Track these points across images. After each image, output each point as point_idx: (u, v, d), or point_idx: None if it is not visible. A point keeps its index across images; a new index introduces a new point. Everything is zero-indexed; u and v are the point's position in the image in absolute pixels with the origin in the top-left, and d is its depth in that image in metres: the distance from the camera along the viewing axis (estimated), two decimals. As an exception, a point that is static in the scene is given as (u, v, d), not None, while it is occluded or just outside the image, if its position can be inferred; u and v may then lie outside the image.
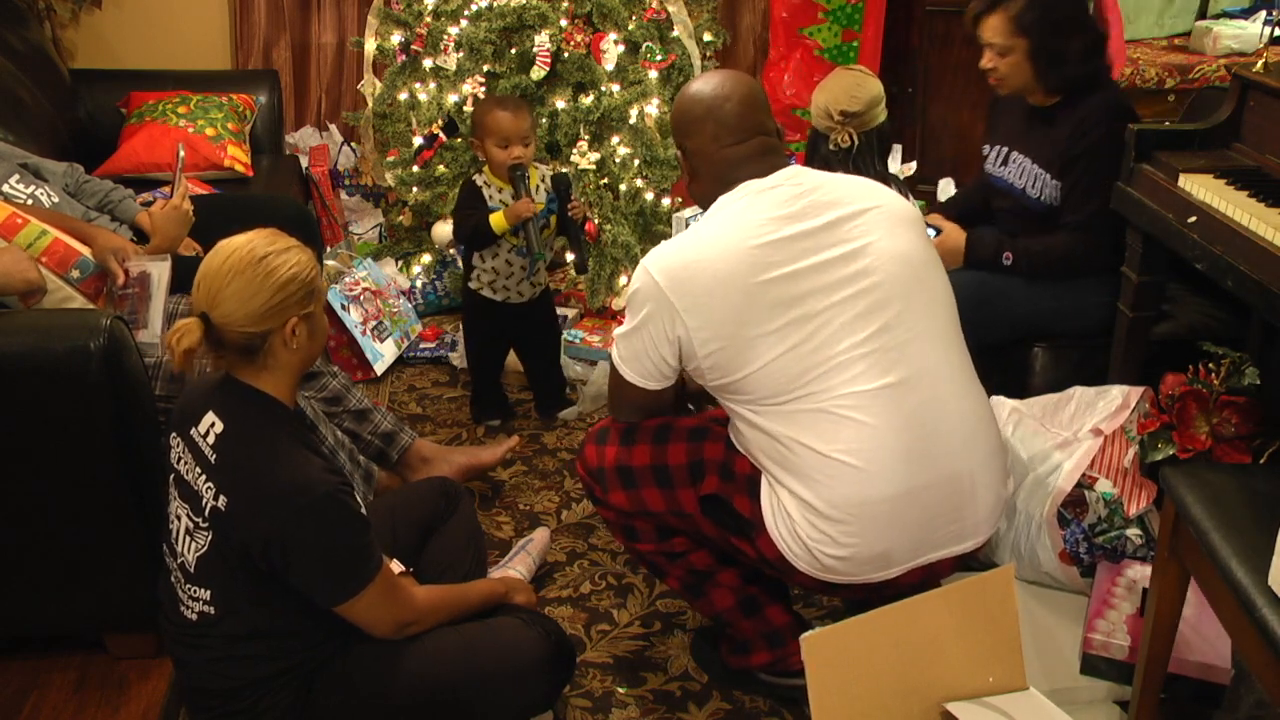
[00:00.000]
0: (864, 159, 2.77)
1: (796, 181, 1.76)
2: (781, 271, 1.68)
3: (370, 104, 3.67)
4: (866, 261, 1.70)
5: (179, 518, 1.65)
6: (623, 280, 3.38)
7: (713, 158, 1.81)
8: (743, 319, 1.67)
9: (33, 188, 2.47)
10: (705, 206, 1.83)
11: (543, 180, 2.81)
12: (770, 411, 1.70)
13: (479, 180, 2.78)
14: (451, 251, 3.56)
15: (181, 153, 2.56)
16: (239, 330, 1.58)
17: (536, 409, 3.06)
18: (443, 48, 3.40)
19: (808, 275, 1.68)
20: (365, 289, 3.31)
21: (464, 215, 2.78)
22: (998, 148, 2.66)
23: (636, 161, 3.39)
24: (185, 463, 1.64)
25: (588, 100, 3.35)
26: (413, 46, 3.50)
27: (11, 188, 2.43)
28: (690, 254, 1.71)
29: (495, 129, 2.68)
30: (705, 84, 1.84)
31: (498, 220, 2.70)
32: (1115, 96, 2.48)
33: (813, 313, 1.68)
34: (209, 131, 3.47)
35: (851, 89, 2.71)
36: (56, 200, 2.49)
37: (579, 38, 3.35)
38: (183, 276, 2.18)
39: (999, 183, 2.65)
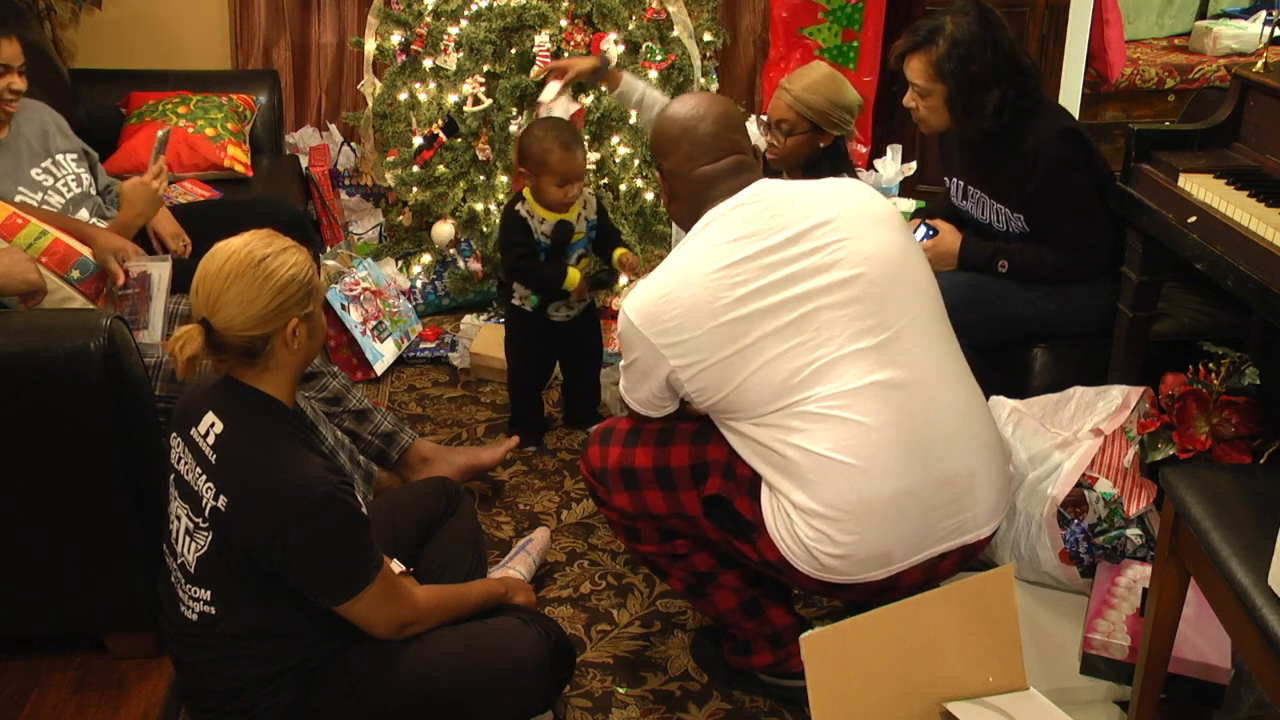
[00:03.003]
0: None
1: (759, 197, 1.77)
2: (749, 289, 1.69)
3: (370, 104, 3.67)
4: (839, 265, 1.71)
5: (179, 518, 1.66)
6: (623, 280, 3.38)
7: (688, 177, 1.83)
8: (718, 341, 1.69)
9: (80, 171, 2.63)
10: (685, 227, 1.85)
11: (585, 206, 2.73)
12: (762, 422, 1.71)
13: (522, 210, 2.67)
14: (452, 251, 3.56)
15: (160, 134, 2.57)
16: (240, 334, 1.58)
17: (566, 421, 3.00)
18: (443, 48, 3.40)
19: (778, 288, 1.69)
20: (365, 289, 3.31)
21: (531, 264, 2.68)
22: (955, 181, 2.65)
23: (636, 161, 3.39)
24: (185, 463, 1.64)
25: (588, 100, 3.35)
26: (413, 46, 3.50)
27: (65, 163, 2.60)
28: (661, 290, 1.73)
29: (556, 169, 2.57)
30: (682, 105, 1.88)
31: (571, 283, 2.68)
32: (1052, 125, 2.42)
33: (788, 323, 1.68)
34: (209, 131, 3.47)
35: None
36: (87, 188, 2.61)
37: (579, 38, 3.35)
38: (183, 277, 2.19)
39: (965, 215, 2.65)
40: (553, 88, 2.76)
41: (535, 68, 2.80)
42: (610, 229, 2.83)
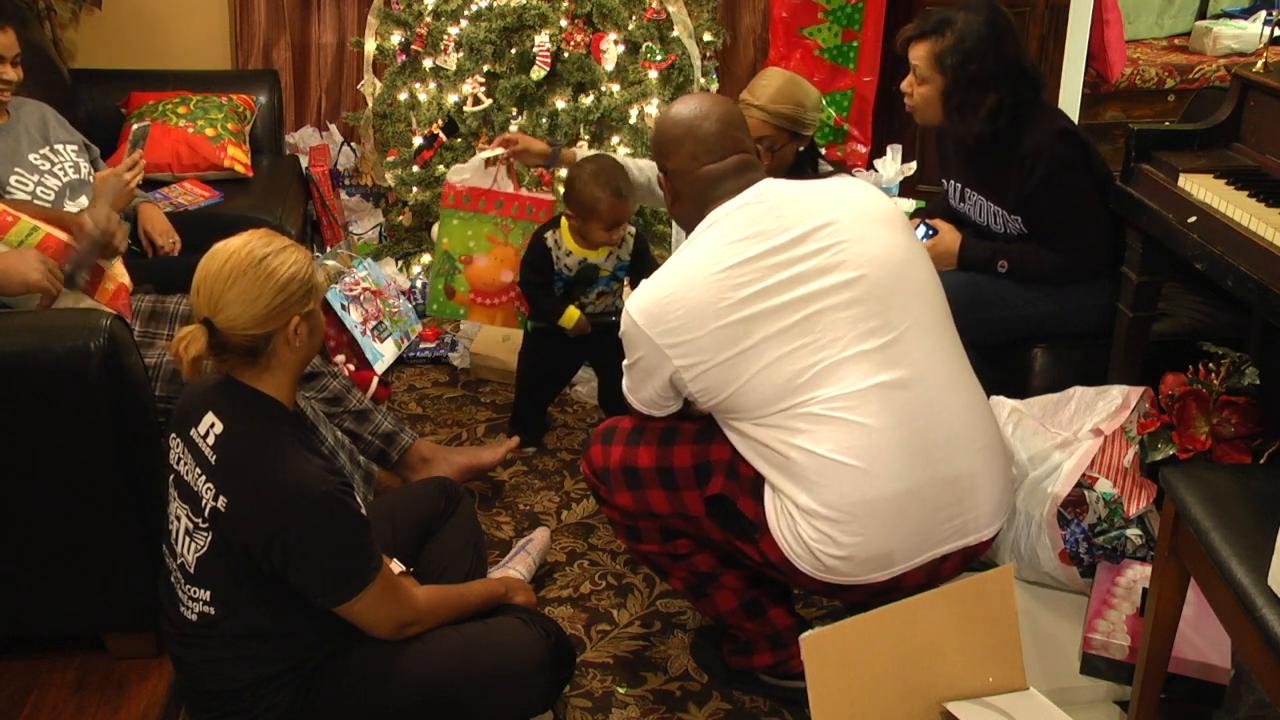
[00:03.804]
0: None
1: (763, 197, 1.77)
2: (753, 289, 1.69)
3: (370, 104, 3.67)
4: (843, 267, 1.70)
5: (179, 518, 1.66)
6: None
7: (692, 176, 1.83)
8: (721, 342, 1.69)
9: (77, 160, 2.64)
10: (689, 228, 1.84)
11: (620, 245, 2.68)
12: (765, 422, 1.71)
13: (550, 239, 2.65)
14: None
15: (136, 128, 2.58)
16: (243, 333, 1.58)
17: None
18: (443, 48, 3.41)
19: (782, 289, 1.69)
20: (365, 289, 3.31)
21: (535, 292, 2.69)
22: (953, 183, 2.65)
23: (637, 161, 3.39)
24: (185, 463, 1.64)
25: (588, 100, 3.36)
26: (413, 46, 3.50)
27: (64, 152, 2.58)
28: (664, 290, 1.73)
29: (605, 217, 2.54)
30: (684, 105, 1.88)
31: (568, 320, 2.66)
32: (1049, 126, 2.42)
33: (792, 324, 1.68)
34: (209, 131, 3.47)
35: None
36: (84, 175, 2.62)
37: (579, 38, 3.35)
38: (181, 276, 2.19)
39: (964, 216, 2.65)
40: (494, 153, 2.73)
41: (489, 152, 2.77)
42: (648, 263, 2.72)
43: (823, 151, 2.91)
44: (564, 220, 2.65)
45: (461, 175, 2.76)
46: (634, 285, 2.75)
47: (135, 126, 2.59)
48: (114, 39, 4.03)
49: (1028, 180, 2.40)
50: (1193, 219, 2.11)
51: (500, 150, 2.73)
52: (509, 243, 2.82)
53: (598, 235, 2.59)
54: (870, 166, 4.05)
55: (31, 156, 2.57)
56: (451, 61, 3.40)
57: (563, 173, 2.74)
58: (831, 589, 1.77)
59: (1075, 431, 2.22)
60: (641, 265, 2.73)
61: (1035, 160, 2.39)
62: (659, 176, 1.94)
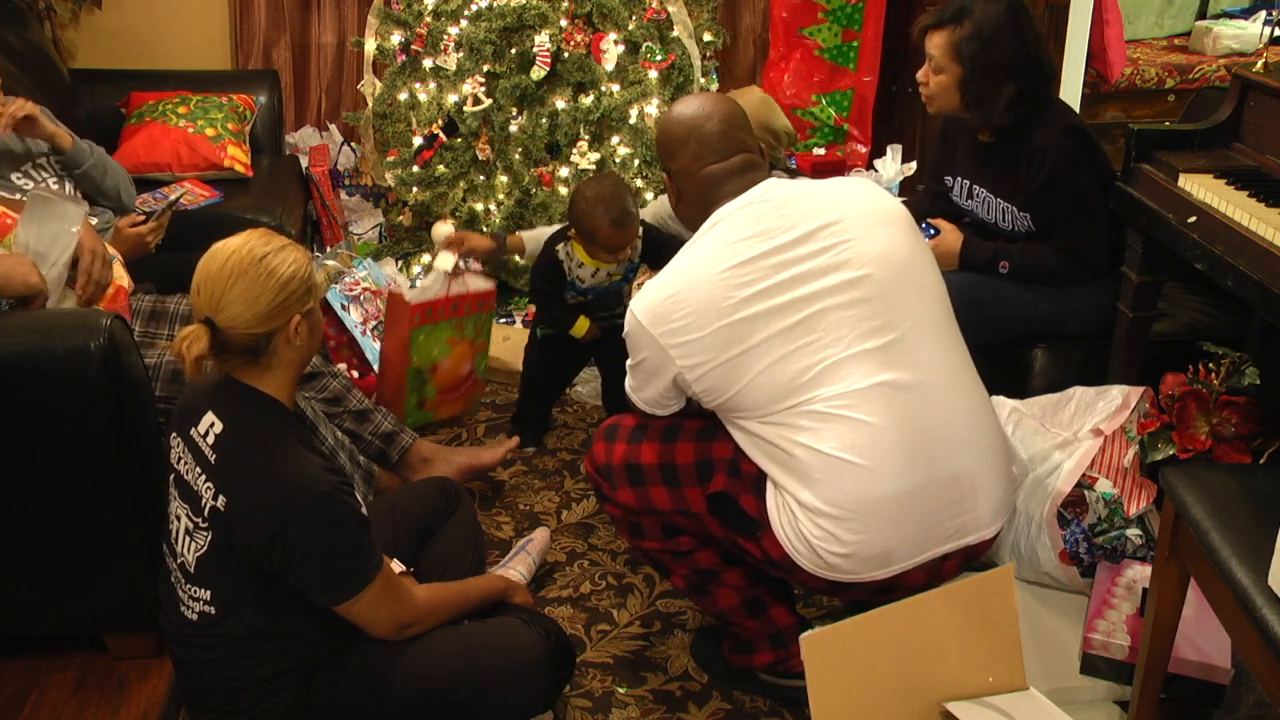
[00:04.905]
0: None
1: (767, 196, 1.77)
2: (757, 289, 1.69)
3: (370, 104, 3.67)
4: (846, 266, 1.70)
5: (179, 518, 1.66)
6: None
7: (696, 176, 1.83)
8: (725, 342, 1.69)
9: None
10: (693, 228, 1.84)
11: (630, 248, 2.69)
12: (769, 420, 1.71)
13: (561, 252, 2.66)
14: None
15: (172, 197, 2.55)
16: (245, 332, 1.58)
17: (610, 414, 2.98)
18: (443, 48, 3.41)
19: (785, 288, 1.69)
20: (365, 289, 3.31)
21: (548, 302, 2.71)
22: (960, 181, 2.65)
23: (636, 161, 3.39)
24: (185, 463, 1.64)
25: (588, 100, 3.36)
26: (413, 46, 3.50)
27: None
28: (668, 290, 1.73)
29: (606, 244, 2.57)
30: (687, 106, 1.88)
31: (579, 330, 2.68)
32: (1060, 123, 2.43)
33: (795, 323, 1.68)
34: (209, 131, 3.47)
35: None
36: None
37: (579, 38, 3.35)
38: (183, 274, 2.18)
39: (970, 215, 2.65)
40: (446, 257, 2.70)
41: (445, 260, 2.76)
42: (665, 251, 2.64)
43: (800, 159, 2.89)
44: (574, 239, 2.66)
45: (425, 295, 2.73)
46: (655, 266, 2.76)
47: (172, 196, 2.56)
48: (114, 39, 4.03)
49: (1036, 175, 2.40)
50: (1193, 219, 2.11)
51: (454, 257, 2.72)
52: (464, 338, 2.83)
53: (602, 256, 2.62)
54: (870, 166, 4.05)
55: (14, 175, 2.53)
56: (451, 61, 3.40)
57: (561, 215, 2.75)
58: (832, 587, 1.77)
59: (1075, 431, 2.22)
60: (659, 254, 2.72)
61: (1044, 156, 2.39)
62: (663, 177, 1.94)
